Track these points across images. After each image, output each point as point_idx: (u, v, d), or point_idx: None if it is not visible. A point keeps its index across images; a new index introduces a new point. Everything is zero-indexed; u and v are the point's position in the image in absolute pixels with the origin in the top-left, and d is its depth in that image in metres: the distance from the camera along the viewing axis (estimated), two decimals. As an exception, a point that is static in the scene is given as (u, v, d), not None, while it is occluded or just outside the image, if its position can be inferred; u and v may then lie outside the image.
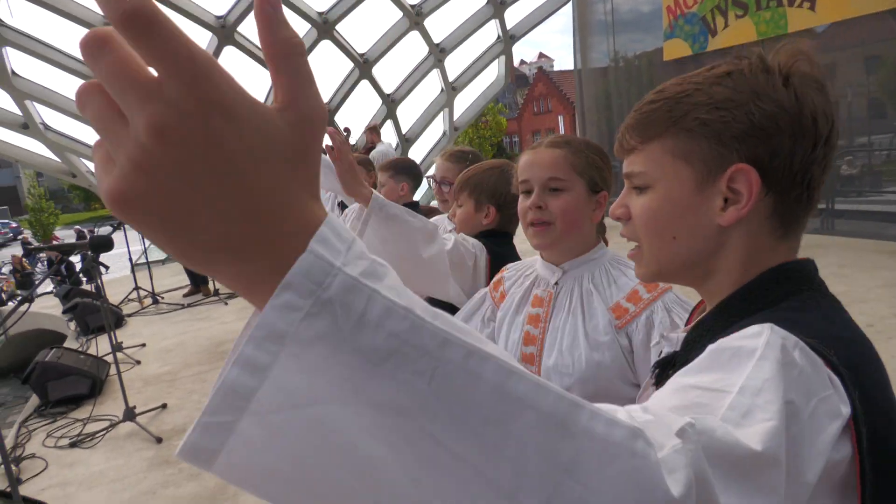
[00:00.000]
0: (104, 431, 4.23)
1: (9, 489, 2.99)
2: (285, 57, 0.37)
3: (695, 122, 0.74)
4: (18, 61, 10.31)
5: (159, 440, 3.99)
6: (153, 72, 0.34)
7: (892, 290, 5.21)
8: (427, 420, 0.34)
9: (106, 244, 3.01)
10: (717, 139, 0.73)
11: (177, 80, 0.33)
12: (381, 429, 0.34)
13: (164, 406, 4.57)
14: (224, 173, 0.34)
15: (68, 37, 10.95)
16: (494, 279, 1.64)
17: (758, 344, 0.61)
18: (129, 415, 4.20)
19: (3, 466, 3.33)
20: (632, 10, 12.28)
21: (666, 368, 0.85)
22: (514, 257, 1.83)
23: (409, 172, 3.16)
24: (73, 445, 4.09)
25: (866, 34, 7.64)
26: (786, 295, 0.75)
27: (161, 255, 13.61)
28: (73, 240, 19.61)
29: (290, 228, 0.35)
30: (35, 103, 10.84)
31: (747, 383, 0.56)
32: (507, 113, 53.91)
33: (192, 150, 0.33)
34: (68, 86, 10.84)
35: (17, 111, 10.78)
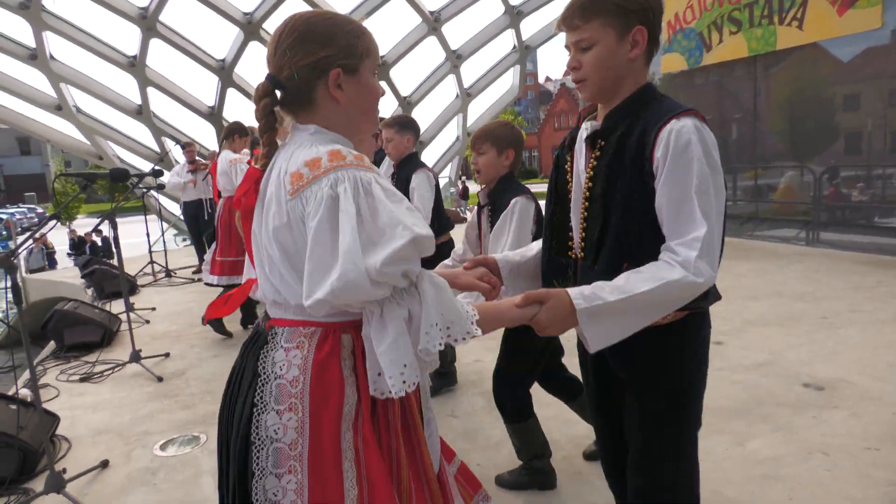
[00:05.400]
0: (111, 370, 4.67)
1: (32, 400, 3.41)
2: None
3: (613, 6, 1.33)
4: (56, 45, 10.93)
5: (160, 379, 4.42)
6: None
7: (854, 292, 5.50)
8: None
9: (124, 175, 3.42)
10: (626, 14, 1.34)
11: None
12: None
13: (167, 355, 5.00)
14: None
15: (103, 24, 11.57)
16: None
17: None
18: (135, 357, 4.63)
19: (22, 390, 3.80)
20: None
21: (595, 139, 1.40)
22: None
23: (412, 126, 3.64)
24: (82, 380, 4.53)
25: (892, 66, 7.58)
26: (655, 97, 1.39)
27: (177, 244, 14.21)
28: (81, 234, 20.10)
29: None
30: (69, 86, 11.48)
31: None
32: (528, 127, 54.27)
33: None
34: (100, 71, 11.45)
35: (52, 93, 11.41)
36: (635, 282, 1.23)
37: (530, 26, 14.20)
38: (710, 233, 1.22)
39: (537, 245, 1.70)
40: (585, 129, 1.46)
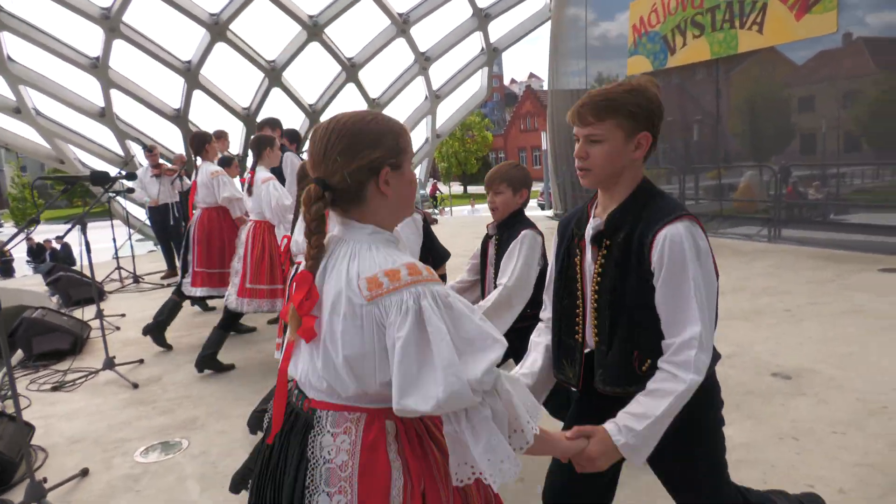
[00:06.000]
0: (84, 378, 4.57)
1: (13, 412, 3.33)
2: None
3: (625, 110, 1.50)
4: (14, 46, 10.63)
5: (135, 386, 4.35)
6: None
7: (813, 286, 5.74)
8: None
9: (104, 178, 3.37)
10: (635, 119, 1.50)
11: None
12: None
13: (141, 361, 4.92)
14: None
15: (64, 25, 11.29)
16: None
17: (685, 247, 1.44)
18: (109, 364, 4.55)
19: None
20: (603, 35, 12.86)
21: (601, 238, 1.56)
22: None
23: None
24: (54, 389, 4.43)
25: (844, 69, 7.83)
26: (652, 195, 1.56)
27: (144, 249, 13.93)
28: (40, 241, 19.33)
29: None
30: (28, 89, 11.15)
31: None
32: (494, 129, 54.60)
33: None
34: (61, 73, 11.15)
35: (10, 96, 11.07)
36: (653, 405, 1.43)
37: (498, 29, 14.37)
38: (704, 329, 1.41)
39: (536, 357, 1.79)
40: (591, 227, 1.61)
